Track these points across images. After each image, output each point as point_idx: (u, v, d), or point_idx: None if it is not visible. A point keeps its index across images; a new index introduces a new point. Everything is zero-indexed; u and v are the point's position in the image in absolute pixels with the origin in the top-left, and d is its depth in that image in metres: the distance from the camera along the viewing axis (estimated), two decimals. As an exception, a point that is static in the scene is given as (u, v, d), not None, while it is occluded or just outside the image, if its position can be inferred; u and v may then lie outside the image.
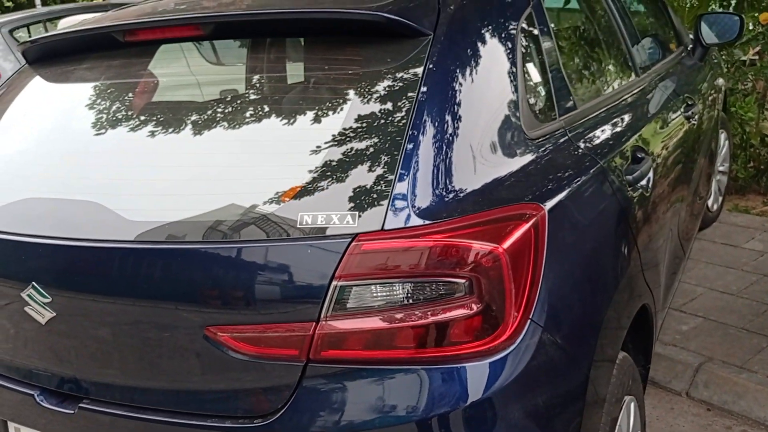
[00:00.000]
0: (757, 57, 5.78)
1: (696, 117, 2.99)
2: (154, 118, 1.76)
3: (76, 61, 2.02)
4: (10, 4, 19.17)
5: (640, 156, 2.08)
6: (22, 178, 1.78)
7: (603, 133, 1.99)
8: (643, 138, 2.22)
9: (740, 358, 3.01)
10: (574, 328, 1.52)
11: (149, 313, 1.47)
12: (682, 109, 2.81)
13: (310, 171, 1.44)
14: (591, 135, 1.92)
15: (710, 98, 3.63)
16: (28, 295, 1.55)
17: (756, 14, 5.32)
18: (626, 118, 2.22)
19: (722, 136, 4.41)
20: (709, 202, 4.32)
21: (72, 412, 1.58)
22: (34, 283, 1.54)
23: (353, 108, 1.54)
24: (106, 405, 1.55)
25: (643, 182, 2.03)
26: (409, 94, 1.49)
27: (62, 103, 2.00)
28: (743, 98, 5.32)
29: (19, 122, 2.00)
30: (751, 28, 5.38)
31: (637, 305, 1.89)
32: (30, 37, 8.23)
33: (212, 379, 1.45)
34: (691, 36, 3.69)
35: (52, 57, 2.09)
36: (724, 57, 5.63)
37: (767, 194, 5.04)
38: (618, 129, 2.10)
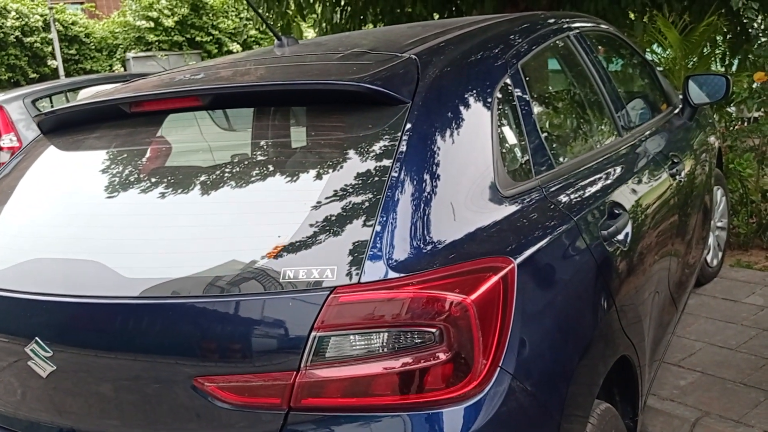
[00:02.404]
0: (762, 114, 5.88)
1: (682, 174, 3.09)
2: (152, 184, 1.88)
3: (87, 131, 2.17)
4: (35, 75, 19.91)
5: (617, 212, 2.17)
6: (32, 240, 1.91)
7: (579, 191, 2.09)
8: (622, 194, 2.31)
9: (737, 413, 3.02)
10: (544, 376, 1.59)
11: (143, 366, 1.56)
12: (666, 167, 2.90)
13: (294, 228, 1.55)
14: (566, 192, 2.02)
15: (701, 156, 3.73)
16: (32, 350, 1.65)
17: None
18: (604, 176, 2.32)
19: (718, 193, 4.48)
20: (709, 258, 4.37)
21: None
22: (37, 338, 1.64)
23: (336, 170, 1.65)
24: None
25: (620, 237, 2.12)
26: (387, 158, 1.60)
27: (71, 170, 2.14)
28: (742, 155, 5.42)
29: (31, 188, 2.14)
30: (745, 86, 5.52)
31: (615, 356, 1.95)
32: (52, 106, 8.57)
33: (201, 428, 1.52)
34: (680, 96, 3.81)
35: (64, 127, 2.24)
36: (727, 114, 5.76)
37: (769, 249, 5.09)
38: (595, 186, 2.20)
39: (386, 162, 1.59)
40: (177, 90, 1.97)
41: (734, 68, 6.71)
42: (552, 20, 2.67)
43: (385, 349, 1.42)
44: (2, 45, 19.33)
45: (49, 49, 20.22)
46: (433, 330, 1.41)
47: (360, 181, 1.59)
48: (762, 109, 5.42)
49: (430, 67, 1.85)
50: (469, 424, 1.42)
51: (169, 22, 21.02)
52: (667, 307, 2.80)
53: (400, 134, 1.64)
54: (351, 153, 1.67)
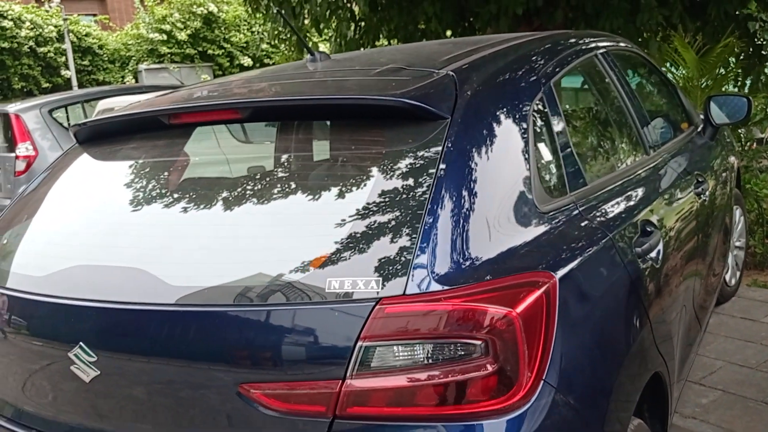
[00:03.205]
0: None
1: (707, 193, 3.11)
2: (194, 193, 1.91)
3: (123, 141, 2.20)
4: (48, 85, 20.06)
5: (649, 229, 2.19)
6: (73, 247, 1.93)
7: (613, 208, 2.11)
8: (653, 212, 2.33)
9: (760, 431, 3.02)
10: (586, 390, 1.60)
11: (187, 372, 1.58)
12: (692, 186, 2.92)
13: (338, 241, 1.57)
14: (601, 209, 2.04)
15: (722, 175, 3.74)
16: (75, 355, 1.67)
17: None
18: (636, 193, 2.34)
19: (737, 213, 4.50)
20: (727, 277, 4.38)
21: None
22: (81, 343, 1.66)
23: (377, 184, 1.67)
24: None
25: (653, 254, 2.14)
26: (429, 172, 1.62)
27: (109, 179, 2.17)
28: (758, 175, 5.44)
29: (69, 196, 2.17)
30: (760, 107, 5.55)
31: (650, 372, 1.96)
32: (68, 117, 8.65)
33: None
34: (701, 116, 3.84)
35: (100, 137, 2.27)
36: (742, 135, 5.78)
37: (786, 269, 5.09)
38: (627, 204, 2.22)
39: (428, 177, 1.61)
40: (216, 103, 1.99)
41: (746, 89, 6.74)
42: (580, 39, 2.71)
43: (430, 360, 1.44)
44: (16, 55, 19.48)
45: (63, 59, 20.38)
46: (479, 342, 1.43)
47: (402, 195, 1.62)
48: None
49: (467, 83, 1.88)
50: (512, 437, 1.43)
51: (181, 35, 21.17)
52: (693, 325, 2.81)
53: (441, 149, 1.66)
54: (392, 167, 1.70)
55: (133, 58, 21.82)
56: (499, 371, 1.43)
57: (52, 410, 1.80)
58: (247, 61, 22.15)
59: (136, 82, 20.95)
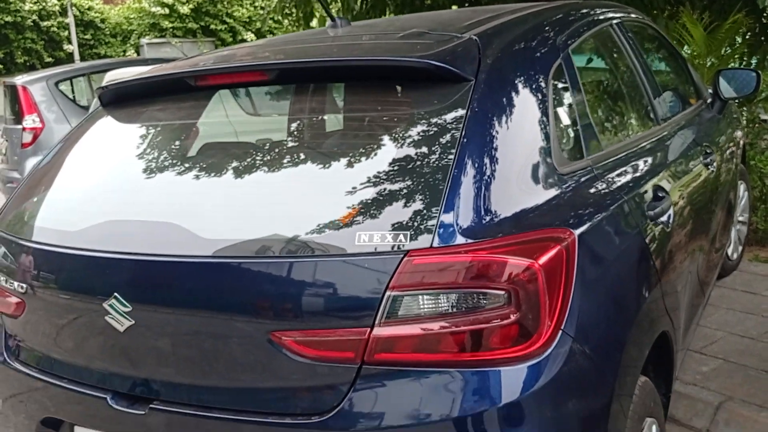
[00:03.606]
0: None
1: (714, 165, 3.17)
2: (223, 152, 1.97)
3: (147, 104, 2.26)
4: (50, 59, 19.99)
5: (660, 195, 2.25)
6: (103, 204, 1.99)
7: (626, 173, 2.17)
8: (664, 179, 2.40)
9: (761, 398, 3.10)
10: (601, 342, 1.67)
11: (219, 320, 1.65)
12: (701, 157, 2.98)
13: (366, 198, 1.63)
14: (615, 173, 2.10)
15: (728, 149, 3.80)
16: (110, 305, 1.74)
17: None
18: (648, 160, 2.40)
19: (741, 187, 4.55)
20: (729, 251, 4.45)
21: (143, 413, 1.75)
22: (116, 294, 1.73)
23: (405, 143, 1.73)
24: (176, 405, 1.72)
25: (663, 218, 2.20)
26: (454, 132, 1.68)
27: (135, 139, 2.22)
28: (762, 152, 5.48)
29: (98, 155, 2.22)
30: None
31: (659, 330, 2.03)
32: (73, 89, 8.67)
33: (274, 380, 1.61)
34: (710, 90, 3.89)
35: (124, 100, 2.32)
36: (744, 113, 5.82)
37: (787, 246, 5.15)
38: (640, 169, 2.28)
39: (453, 137, 1.67)
40: (243, 65, 2.04)
41: (753, 65, 6.75)
42: (595, 9, 2.75)
43: (454, 309, 1.51)
44: (19, 29, 19.42)
45: (65, 33, 20.30)
46: (502, 292, 1.50)
47: (428, 154, 1.67)
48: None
49: (489, 48, 1.93)
50: (532, 382, 1.51)
51: (184, 9, 21.07)
52: (697, 293, 2.88)
53: (465, 111, 1.71)
54: (418, 127, 1.75)
55: (135, 32, 21.73)
56: (521, 320, 1.50)
57: (86, 360, 1.87)
58: (250, 36, 22.07)
59: (138, 56, 20.87)
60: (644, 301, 1.94)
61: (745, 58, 6.78)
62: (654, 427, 2.07)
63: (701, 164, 2.95)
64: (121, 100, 2.33)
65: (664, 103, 3.03)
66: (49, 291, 1.92)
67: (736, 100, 4.73)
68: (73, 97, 8.48)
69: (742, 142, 4.44)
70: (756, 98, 5.60)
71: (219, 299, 1.64)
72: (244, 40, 21.97)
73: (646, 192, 2.18)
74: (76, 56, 20.14)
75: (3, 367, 2.04)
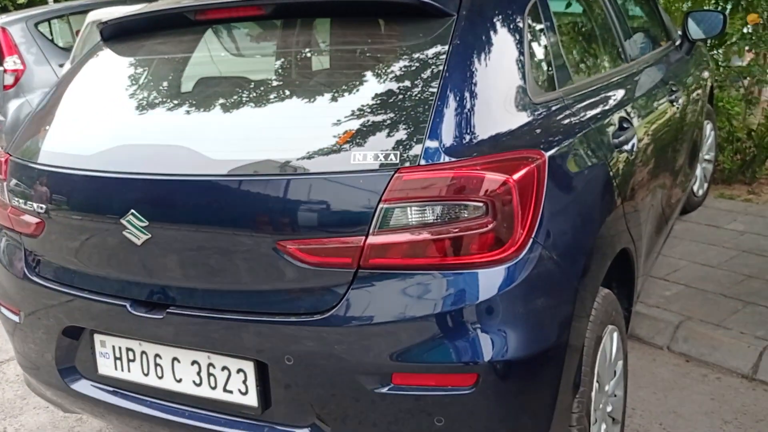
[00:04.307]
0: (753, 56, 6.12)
1: (679, 102, 3.38)
2: (227, 82, 2.13)
3: (148, 38, 2.40)
4: (23, 1, 19.50)
5: (625, 125, 2.46)
6: (115, 130, 2.16)
7: (594, 104, 2.37)
8: (630, 111, 2.61)
9: (717, 318, 3.38)
10: (567, 249, 1.89)
11: (229, 233, 1.84)
12: (666, 93, 3.19)
13: (361, 121, 1.81)
14: (584, 104, 2.30)
15: (695, 89, 4.01)
16: (128, 221, 1.91)
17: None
18: (615, 94, 2.61)
19: (708, 127, 4.78)
20: (695, 188, 4.70)
21: (161, 317, 1.94)
22: (133, 210, 1.91)
23: (394, 74, 1.91)
24: (191, 309, 1.92)
25: (627, 147, 2.41)
26: (439, 63, 1.86)
27: (139, 72, 2.37)
28: (731, 93, 5.70)
29: (102, 87, 2.37)
30: (746, 31, 5.73)
31: (620, 245, 2.26)
32: (51, 31, 8.60)
33: (280, 284, 1.81)
34: (679, 32, 4.07)
35: (124, 34, 2.46)
36: (720, 57, 6.00)
37: (752, 184, 5.42)
38: (607, 102, 2.48)
39: (437, 67, 1.85)
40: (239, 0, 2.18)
41: (727, 11, 6.90)
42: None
43: (439, 219, 1.71)
44: (-10, -31, 18.90)
45: (37, -27, 19.81)
46: (480, 204, 1.70)
47: (415, 83, 1.86)
48: (753, 51, 5.67)
49: None
50: (507, 282, 1.73)
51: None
52: (660, 221, 3.12)
53: (449, 42, 1.89)
54: (406, 59, 1.93)
55: (110, -27, 21.24)
56: (497, 228, 1.71)
57: (105, 272, 2.05)
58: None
59: None
60: (607, 217, 2.16)
61: (721, 3, 6.93)
62: (615, 335, 2.32)
63: (666, 101, 3.16)
64: (122, 35, 2.47)
65: (635, 44, 3.22)
66: (68, 210, 2.09)
67: (707, 43, 4.93)
68: (52, 38, 8.43)
69: (709, 83, 4.64)
70: (726, 41, 5.78)
71: (229, 213, 1.82)
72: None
73: (611, 122, 2.38)
74: (50, -2, 19.72)
75: (25, 282, 2.22)
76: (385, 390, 1.74)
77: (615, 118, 2.44)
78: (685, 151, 3.66)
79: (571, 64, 2.43)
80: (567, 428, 1.95)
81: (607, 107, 2.44)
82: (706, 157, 4.90)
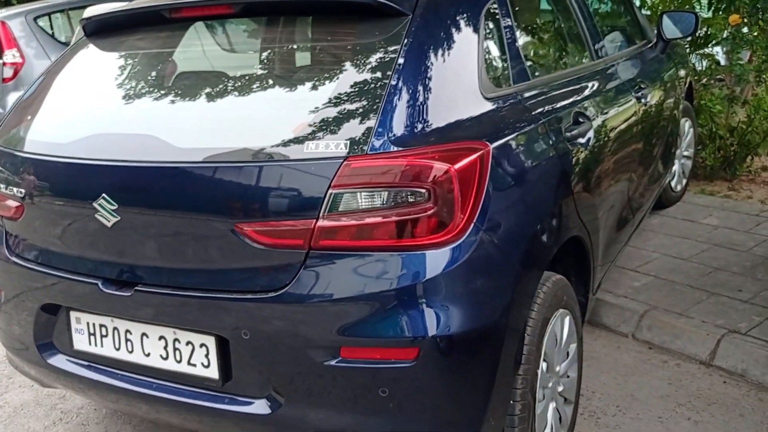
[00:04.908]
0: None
1: (648, 98, 3.49)
2: (193, 77, 2.26)
3: (128, 34, 2.53)
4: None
5: (581, 120, 2.58)
6: (90, 121, 2.29)
7: (550, 99, 2.49)
8: (587, 107, 2.73)
9: (681, 308, 3.49)
10: (509, 233, 2.02)
11: (191, 216, 1.97)
12: (632, 91, 3.30)
13: (315, 113, 1.94)
14: (539, 99, 2.42)
15: (669, 86, 4.12)
16: (99, 204, 2.05)
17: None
18: (574, 90, 2.72)
19: (686, 124, 4.88)
20: (673, 183, 4.81)
21: (129, 294, 2.08)
22: (104, 194, 2.04)
23: (347, 69, 2.05)
24: (157, 287, 2.05)
25: (582, 140, 2.53)
26: (391, 59, 1.98)
27: (117, 65, 2.51)
28: (713, 92, 5.79)
29: (83, 80, 2.51)
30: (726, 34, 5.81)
31: (569, 232, 2.39)
32: (51, 25, 8.73)
33: (238, 263, 1.94)
34: (655, 31, 4.18)
35: (106, 30, 2.59)
36: (701, 56, 6.08)
37: (732, 180, 5.52)
38: (564, 97, 2.60)
39: (390, 63, 1.98)
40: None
41: (720, 12, 6.97)
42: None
43: (385, 204, 1.83)
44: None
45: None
46: (424, 190, 1.83)
47: (368, 77, 1.98)
48: (734, 50, 5.75)
49: None
50: (449, 263, 1.85)
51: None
52: (624, 212, 3.24)
53: (402, 41, 2.01)
54: (360, 55, 2.07)
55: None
56: (438, 213, 1.84)
57: (79, 252, 2.18)
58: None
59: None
60: (554, 205, 2.28)
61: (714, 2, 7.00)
62: (567, 318, 2.44)
63: (632, 97, 3.27)
64: (104, 31, 2.60)
65: (604, 42, 3.33)
66: (46, 194, 2.22)
67: (683, 41, 5.02)
68: (52, 32, 8.56)
69: (687, 81, 4.74)
70: (710, 41, 5.87)
71: (191, 197, 1.96)
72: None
73: (566, 116, 2.50)
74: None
75: (6, 264, 2.36)
76: (333, 362, 1.87)
77: (570, 112, 2.55)
78: (656, 147, 3.77)
79: (529, 61, 2.55)
80: (509, 402, 2.07)
81: (563, 103, 2.56)
82: (685, 153, 5.00)
